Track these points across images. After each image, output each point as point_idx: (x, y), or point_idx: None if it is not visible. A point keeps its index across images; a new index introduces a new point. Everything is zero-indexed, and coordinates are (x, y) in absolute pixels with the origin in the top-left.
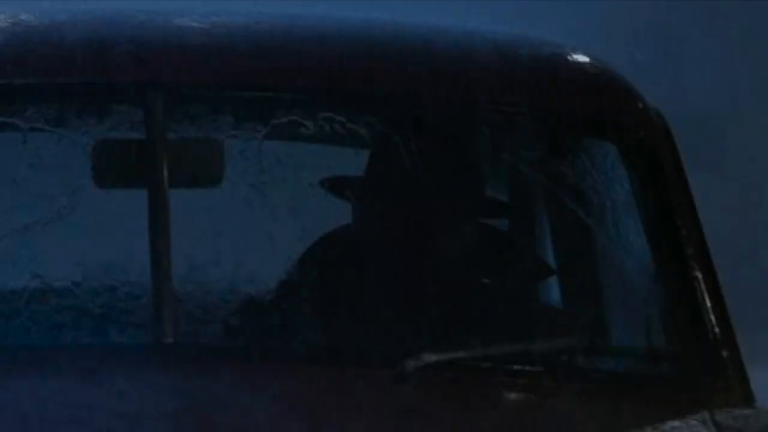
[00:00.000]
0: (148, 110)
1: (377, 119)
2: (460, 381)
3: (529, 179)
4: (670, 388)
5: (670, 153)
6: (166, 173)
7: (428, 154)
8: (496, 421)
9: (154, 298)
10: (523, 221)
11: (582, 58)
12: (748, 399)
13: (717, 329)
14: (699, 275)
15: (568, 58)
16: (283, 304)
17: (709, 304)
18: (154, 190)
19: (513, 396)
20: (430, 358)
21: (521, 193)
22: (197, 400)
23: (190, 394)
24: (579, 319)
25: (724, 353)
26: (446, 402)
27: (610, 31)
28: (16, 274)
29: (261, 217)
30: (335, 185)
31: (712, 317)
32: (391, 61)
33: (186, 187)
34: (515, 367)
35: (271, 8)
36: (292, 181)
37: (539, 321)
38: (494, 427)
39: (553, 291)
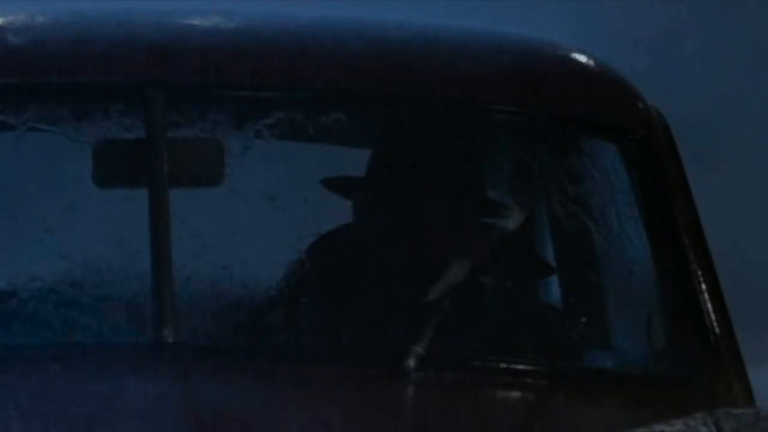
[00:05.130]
0: (149, 110)
1: (378, 119)
2: (461, 380)
3: (530, 179)
4: (670, 388)
5: (670, 152)
6: (166, 173)
7: (429, 154)
8: (495, 421)
9: (155, 298)
10: (523, 221)
11: (582, 58)
12: (748, 399)
13: (717, 329)
14: (699, 274)
15: (569, 58)
16: (284, 304)
17: (709, 303)
18: (155, 189)
19: (513, 396)
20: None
21: (522, 192)
22: (197, 399)
23: (190, 394)
24: (579, 318)
25: (724, 353)
26: (446, 402)
27: (610, 31)
28: (16, 273)
29: (261, 217)
30: (336, 185)
31: (713, 317)
32: (392, 60)
33: (186, 186)
34: (515, 366)
35: (271, 8)
36: (292, 180)
37: (539, 320)
38: (494, 427)
39: (553, 290)
